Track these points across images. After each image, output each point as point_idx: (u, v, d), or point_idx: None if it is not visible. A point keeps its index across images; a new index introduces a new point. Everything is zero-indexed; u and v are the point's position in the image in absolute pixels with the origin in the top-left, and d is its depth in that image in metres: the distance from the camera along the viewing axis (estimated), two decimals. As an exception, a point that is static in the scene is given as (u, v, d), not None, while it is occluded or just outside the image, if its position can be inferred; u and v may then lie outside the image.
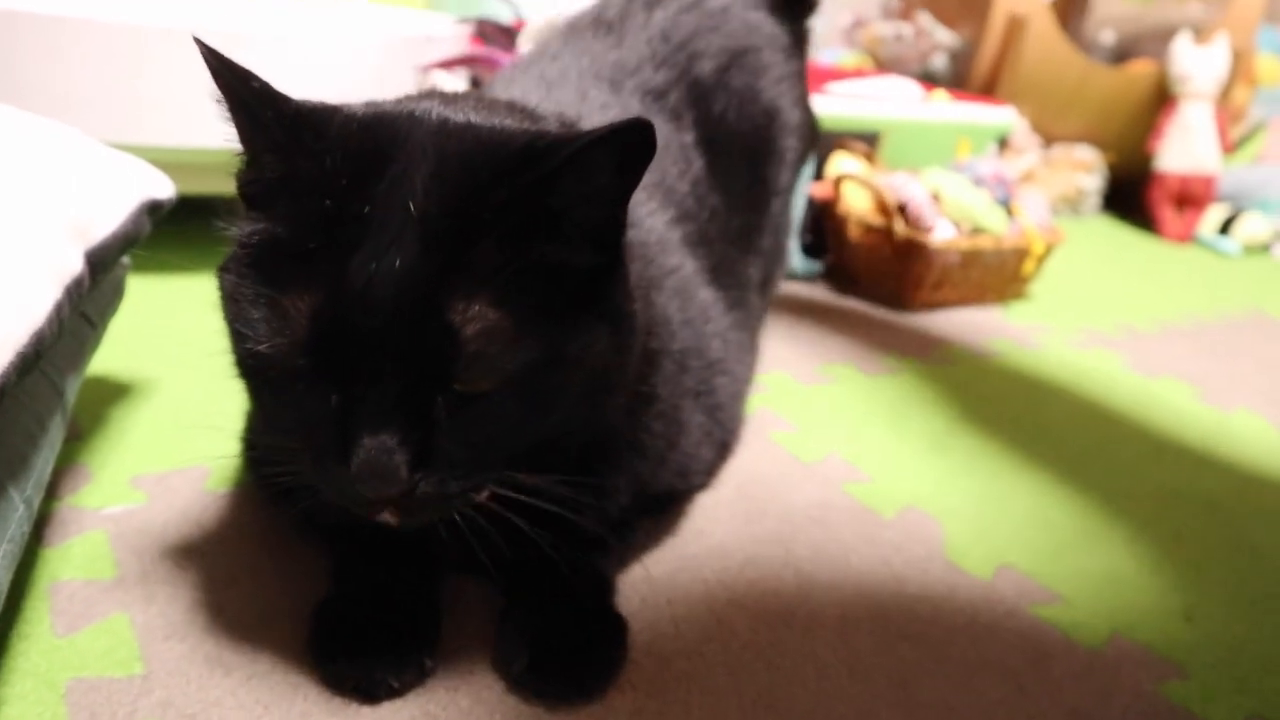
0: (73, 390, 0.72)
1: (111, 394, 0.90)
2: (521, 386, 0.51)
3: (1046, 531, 0.86)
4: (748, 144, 0.93)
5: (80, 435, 0.82)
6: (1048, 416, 1.11)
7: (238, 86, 0.50)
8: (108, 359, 0.92)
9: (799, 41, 1.04)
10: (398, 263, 0.47)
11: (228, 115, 0.51)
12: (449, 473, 0.51)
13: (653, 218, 0.75)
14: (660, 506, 0.76)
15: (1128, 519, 0.90)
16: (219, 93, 0.50)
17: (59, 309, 0.60)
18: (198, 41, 0.49)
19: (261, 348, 0.49)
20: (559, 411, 0.53)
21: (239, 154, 0.53)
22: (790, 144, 0.98)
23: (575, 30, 0.94)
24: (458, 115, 0.53)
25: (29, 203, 0.64)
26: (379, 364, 0.48)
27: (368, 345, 0.47)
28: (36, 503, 0.62)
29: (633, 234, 0.67)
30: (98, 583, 0.65)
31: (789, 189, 1.01)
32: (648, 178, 0.77)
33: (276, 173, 0.51)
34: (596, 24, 0.94)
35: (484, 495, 0.54)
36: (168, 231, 0.84)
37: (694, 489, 0.80)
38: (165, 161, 0.85)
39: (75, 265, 0.64)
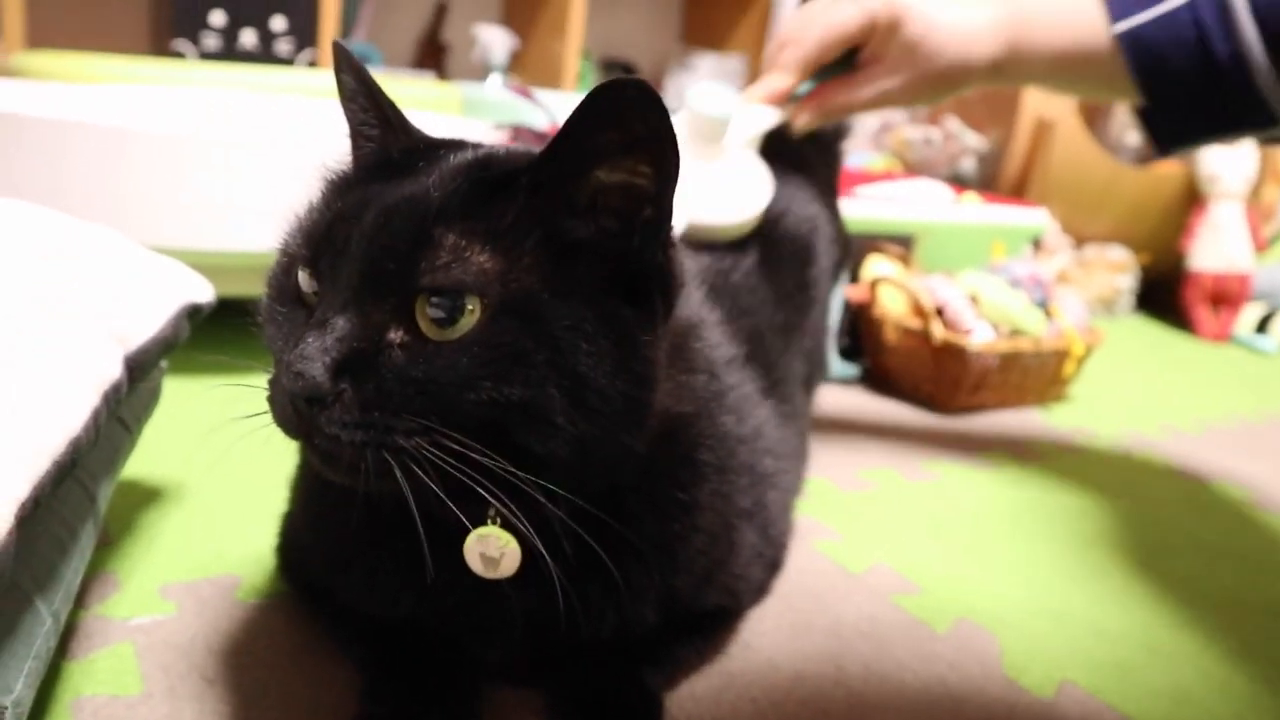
0: (105, 496, 0.71)
1: (142, 498, 0.89)
2: (484, 339, 0.49)
3: (1107, 645, 0.82)
4: (794, 245, 0.93)
5: (109, 541, 0.81)
6: (1098, 523, 1.08)
7: (363, 76, 0.59)
8: (138, 461, 0.90)
9: (833, 160, 1.06)
10: (410, 189, 0.51)
11: (351, 96, 0.59)
12: (376, 400, 0.48)
13: (713, 330, 0.73)
14: (710, 624, 0.73)
15: (1191, 630, 0.86)
16: (350, 81, 0.59)
17: (96, 416, 0.59)
18: (336, 45, 0.58)
19: (287, 245, 0.55)
20: (520, 389, 0.49)
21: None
22: (827, 252, 0.99)
23: None
24: None
25: (70, 306, 0.64)
26: (351, 258, 0.50)
27: (347, 239, 0.50)
28: (64, 615, 0.60)
29: (699, 345, 0.67)
30: (123, 699, 0.62)
31: (827, 296, 1.01)
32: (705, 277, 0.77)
33: (377, 144, 0.59)
34: None
35: (412, 444, 0.49)
36: (203, 333, 0.83)
37: (744, 607, 0.77)
38: (202, 265, 0.85)
39: (114, 371, 0.63)
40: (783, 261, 0.93)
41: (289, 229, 0.56)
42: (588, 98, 0.49)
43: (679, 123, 0.85)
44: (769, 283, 0.90)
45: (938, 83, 0.96)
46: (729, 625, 0.76)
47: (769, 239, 0.92)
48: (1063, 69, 0.94)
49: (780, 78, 0.95)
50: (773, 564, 0.81)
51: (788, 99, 0.97)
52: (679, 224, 0.80)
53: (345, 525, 0.61)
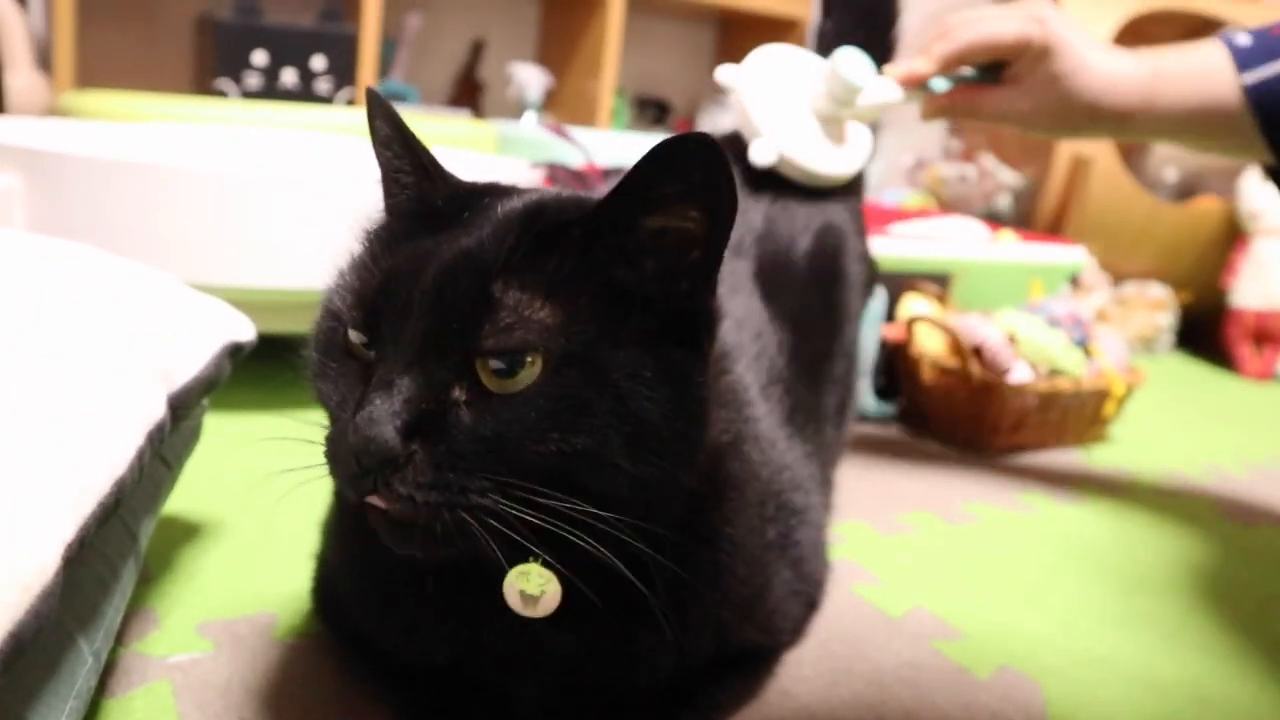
0: (146, 534, 0.71)
1: (181, 535, 0.89)
2: (548, 388, 0.49)
3: (1156, 695, 0.80)
4: (817, 268, 0.92)
5: (149, 578, 0.81)
6: (1144, 567, 1.06)
7: (397, 123, 0.58)
8: (178, 498, 0.91)
9: (856, 181, 1.05)
10: (463, 242, 0.51)
11: (385, 143, 0.59)
12: (448, 460, 0.48)
13: (738, 364, 0.73)
14: (746, 664, 0.72)
15: (1243, 681, 0.84)
16: (384, 128, 0.58)
17: (141, 455, 0.59)
18: (369, 92, 0.58)
19: (336, 305, 0.54)
20: (585, 438, 0.49)
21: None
22: (856, 269, 0.98)
23: None
24: None
25: (116, 345, 0.64)
26: (411, 319, 0.50)
27: (407, 299, 0.50)
28: (105, 654, 0.60)
29: (728, 378, 0.66)
30: (160, 739, 0.63)
31: (857, 315, 1.00)
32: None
33: (413, 192, 0.58)
34: None
35: (488, 500, 0.49)
36: (242, 370, 0.84)
37: (780, 646, 0.76)
38: (242, 301, 0.86)
39: (158, 410, 0.64)
40: (801, 289, 0.91)
41: (334, 286, 0.56)
42: (651, 151, 0.49)
43: (818, 73, 0.97)
44: (789, 320, 0.88)
45: (1065, 119, 1.00)
46: (767, 666, 0.75)
47: (777, 269, 0.90)
48: (1193, 125, 0.97)
49: (920, 62, 1.00)
50: (809, 603, 0.80)
51: (920, 86, 1.02)
52: (775, 153, 0.94)
53: (379, 571, 0.61)
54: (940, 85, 1.03)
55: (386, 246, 0.55)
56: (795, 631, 0.79)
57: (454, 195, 0.57)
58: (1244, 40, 0.95)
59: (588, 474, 0.50)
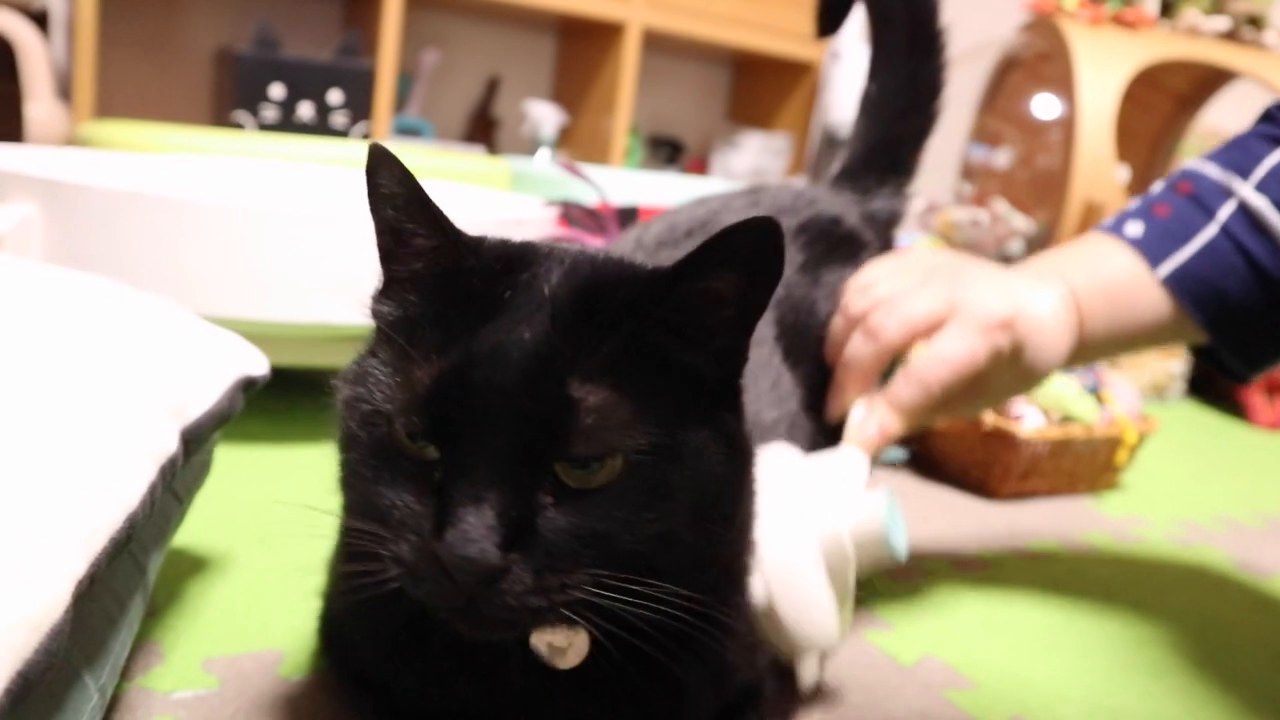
0: (155, 568, 0.71)
1: (188, 567, 0.89)
2: (631, 479, 0.49)
3: (1170, 753, 0.79)
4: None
5: (156, 611, 0.81)
6: (1156, 618, 1.04)
7: (412, 184, 0.53)
8: (186, 530, 0.91)
9: (887, 247, 1.04)
10: (526, 335, 0.49)
11: (395, 204, 0.53)
12: (547, 563, 0.48)
13: (757, 408, 0.73)
14: (753, 703, 0.71)
15: (1258, 741, 0.82)
16: (393, 187, 0.53)
17: (153, 490, 0.59)
18: (374, 147, 0.53)
19: (381, 405, 0.51)
20: (665, 518, 0.50)
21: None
22: None
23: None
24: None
25: (129, 379, 0.64)
26: (492, 428, 0.48)
27: (484, 407, 0.48)
28: (110, 690, 0.60)
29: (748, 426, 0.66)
30: (163, 778, 0.62)
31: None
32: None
33: (431, 260, 0.53)
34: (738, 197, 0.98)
35: (583, 593, 0.49)
36: (253, 401, 0.84)
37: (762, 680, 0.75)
38: (255, 334, 0.86)
39: (171, 445, 0.64)
40: (818, 356, 0.90)
41: (370, 380, 0.52)
42: (718, 236, 0.49)
43: (830, 514, 0.70)
44: (812, 368, 0.88)
45: (1022, 391, 0.91)
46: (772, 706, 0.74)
47: (796, 333, 0.89)
48: (1125, 333, 0.90)
49: (893, 421, 0.82)
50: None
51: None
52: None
53: (391, 614, 0.60)
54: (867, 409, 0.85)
55: (429, 337, 0.51)
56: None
57: (484, 268, 0.53)
58: (1135, 230, 0.89)
59: (663, 553, 0.51)
